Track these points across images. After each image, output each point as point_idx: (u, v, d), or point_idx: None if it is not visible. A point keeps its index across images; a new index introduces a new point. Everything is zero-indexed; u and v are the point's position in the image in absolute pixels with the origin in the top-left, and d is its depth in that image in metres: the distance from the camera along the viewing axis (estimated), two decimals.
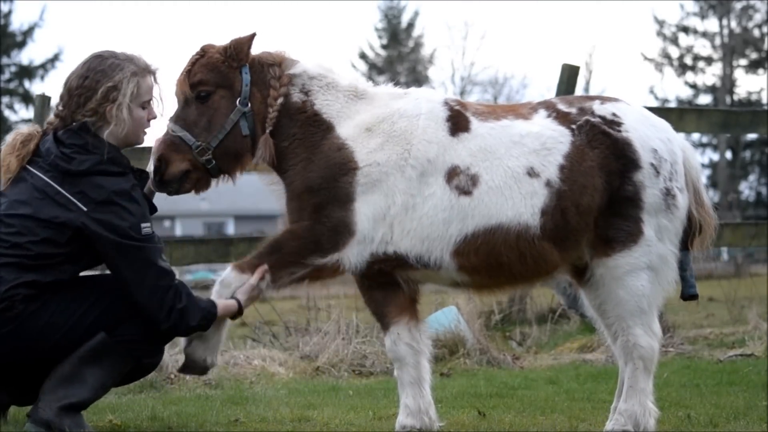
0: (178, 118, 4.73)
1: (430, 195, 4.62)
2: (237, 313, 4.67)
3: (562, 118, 4.77)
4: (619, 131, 4.73)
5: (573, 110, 4.79)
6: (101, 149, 4.58)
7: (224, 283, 4.63)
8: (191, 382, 6.80)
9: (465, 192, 4.63)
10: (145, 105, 4.74)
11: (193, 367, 4.72)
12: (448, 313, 8.04)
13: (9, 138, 4.70)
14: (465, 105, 4.82)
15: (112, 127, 4.63)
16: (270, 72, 4.78)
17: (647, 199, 4.69)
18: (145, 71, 4.73)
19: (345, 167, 4.62)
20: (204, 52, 4.78)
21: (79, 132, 4.62)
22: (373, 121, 4.70)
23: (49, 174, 4.55)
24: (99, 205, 4.49)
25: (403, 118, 4.70)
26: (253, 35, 4.76)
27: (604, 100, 4.88)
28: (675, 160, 4.80)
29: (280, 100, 4.74)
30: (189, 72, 4.75)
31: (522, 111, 4.83)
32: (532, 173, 4.65)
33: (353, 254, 4.61)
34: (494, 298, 8.76)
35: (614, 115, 4.77)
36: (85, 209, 4.48)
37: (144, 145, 7.44)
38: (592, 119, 4.75)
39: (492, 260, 4.64)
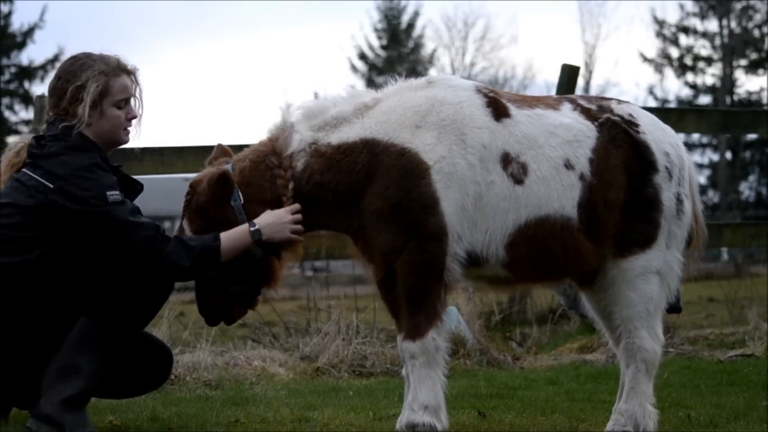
0: None
1: (492, 183, 4.57)
2: (255, 238, 4.54)
3: (586, 113, 4.76)
4: (638, 132, 4.73)
5: (593, 107, 4.79)
6: (70, 136, 4.60)
7: None
8: (191, 383, 6.80)
9: (518, 181, 4.59)
10: (120, 104, 4.70)
11: None
12: (448, 314, 8.02)
13: (10, 149, 4.80)
14: (497, 92, 4.78)
15: (87, 127, 4.63)
16: (267, 164, 4.63)
17: (665, 203, 4.70)
18: (117, 70, 4.69)
19: (418, 170, 4.50)
20: (192, 191, 4.66)
21: (54, 123, 4.66)
22: (416, 118, 4.58)
23: (27, 166, 4.61)
24: (62, 180, 4.49)
25: (445, 106, 4.60)
26: (223, 174, 4.56)
27: (620, 101, 4.89)
28: (682, 166, 4.81)
29: (291, 185, 4.61)
30: (186, 218, 4.67)
31: (549, 102, 4.81)
32: (568, 165, 4.64)
33: (455, 256, 4.54)
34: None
35: (631, 116, 4.78)
36: (51, 186, 4.50)
37: (146, 146, 7.59)
38: (613, 117, 4.75)
39: (540, 251, 4.61)
